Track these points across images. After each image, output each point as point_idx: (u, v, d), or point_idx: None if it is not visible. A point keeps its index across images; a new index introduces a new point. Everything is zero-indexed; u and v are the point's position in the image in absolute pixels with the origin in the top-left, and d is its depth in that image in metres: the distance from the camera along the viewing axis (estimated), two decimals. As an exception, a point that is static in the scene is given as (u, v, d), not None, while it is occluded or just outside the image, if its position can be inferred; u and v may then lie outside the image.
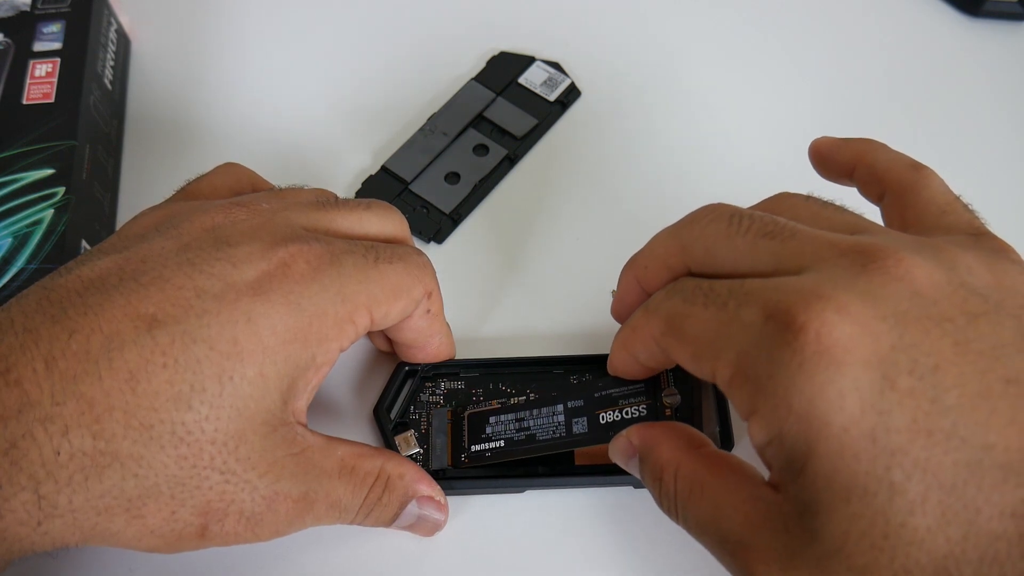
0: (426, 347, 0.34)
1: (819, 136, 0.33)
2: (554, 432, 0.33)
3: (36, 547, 0.25)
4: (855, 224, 0.28)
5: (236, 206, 0.29)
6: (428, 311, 0.33)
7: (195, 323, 0.26)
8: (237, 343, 0.26)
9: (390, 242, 0.32)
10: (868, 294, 0.24)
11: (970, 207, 0.29)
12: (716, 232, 0.28)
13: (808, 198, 0.29)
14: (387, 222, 0.33)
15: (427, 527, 0.32)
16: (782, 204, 0.30)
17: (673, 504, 0.28)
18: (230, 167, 0.35)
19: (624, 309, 0.32)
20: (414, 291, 0.31)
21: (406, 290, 0.30)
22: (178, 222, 0.29)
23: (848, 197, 0.30)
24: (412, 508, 0.31)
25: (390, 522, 0.31)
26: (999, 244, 0.27)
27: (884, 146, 0.32)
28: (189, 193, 0.33)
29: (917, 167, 0.30)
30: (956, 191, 0.31)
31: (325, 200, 0.32)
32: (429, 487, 0.32)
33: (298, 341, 0.27)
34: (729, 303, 0.26)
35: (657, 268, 0.30)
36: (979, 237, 0.27)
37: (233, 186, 0.34)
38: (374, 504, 0.30)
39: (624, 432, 0.30)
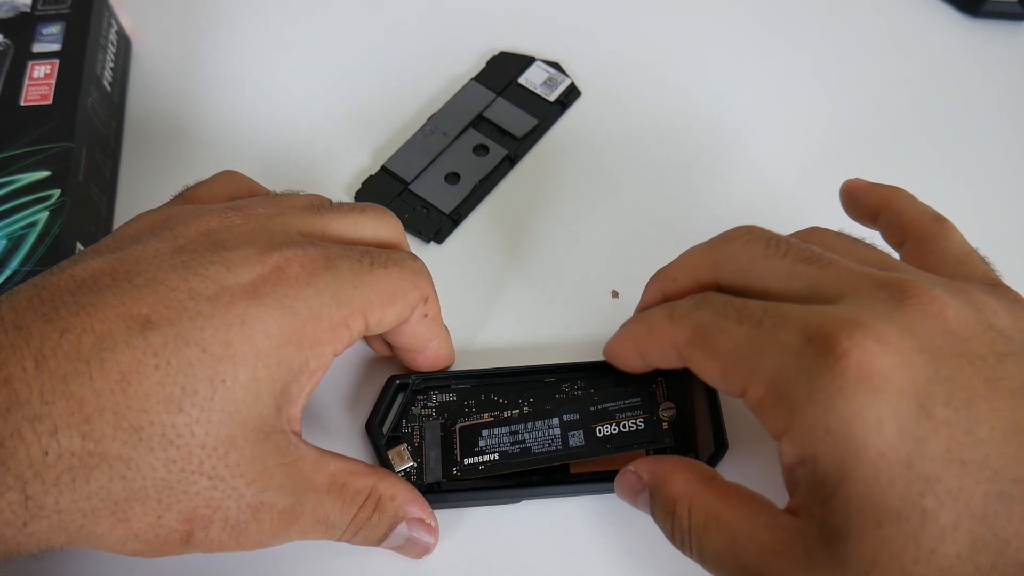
0: (424, 351, 0.34)
1: (851, 177, 0.34)
2: (549, 445, 0.33)
3: (21, 548, 0.25)
4: (884, 261, 0.28)
5: (232, 210, 0.29)
6: (425, 315, 0.32)
7: (188, 325, 0.25)
8: (230, 346, 0.26)
9: (385, 246, 0.32)
10: (905, 327, 0.24)
11: (986, 260, 0.30)
12: (753, 252, 0.29)
13: (839, 233, 0.30)
14: (382, 225, 0.33)
15: (416, 549, 0.32)
16: (814, 236, 0.30)
17: (687, 538, 0.28)
18: (229, 175, 0.35)
19: None
20: (410, 296, 0.31)
21: (401, 295, 0.30)
22: (173, 225, 0.29)
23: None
24: (402, 529, 0.31)
25: (378, 542, 0.31)
26: (1014, 295, 0.28)
27: (910, 195, 0.33)
28: (187, 199, 0.33)
29: (940, 219, 0.31)
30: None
31: (320, 204, 0.32)
32: (420, 509, 0.32)
33: (292, 345, 0.27)
34: (764, 322, 0.26)
35: (686, 281, 0.31)
36: (995, 287, 0.28)
37: (232, 193, 0.34)
38: (363, 523, 0.30)
39: (631, 467, 0.30)
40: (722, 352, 0.27)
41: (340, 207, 0.32)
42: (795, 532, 0.25)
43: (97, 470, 0.24)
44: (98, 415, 0.24)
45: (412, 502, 0.31)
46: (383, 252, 0.31)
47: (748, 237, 0.29)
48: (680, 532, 0.28)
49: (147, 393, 0.25)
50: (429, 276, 0.32)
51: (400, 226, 0.34)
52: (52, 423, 0.24)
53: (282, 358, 0.27)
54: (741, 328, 0.26)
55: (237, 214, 0.29)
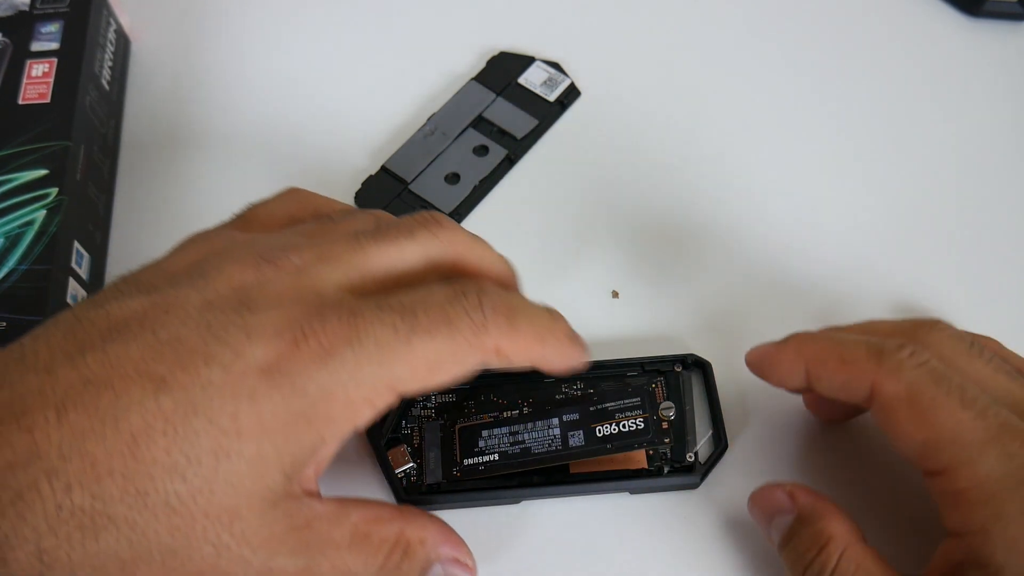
0: (539, 365, 0.30)
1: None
2: (549, 445, 0.33)
3: None
4: None
5: (266, 263, 0.28)
6: (503, 358, 0.28)
7: (199, 393, 0.25)
8: (237, 420, 0.25)
9: (448, 270, 0.30)
10: None
11: None
12: (957, 347, 0.29)
13: (1016, 355, 0.31)
14: (434, 248, 0.30)
15: None
16: (993, 347, 0.31)
17: None
18: (293, 193, 0.34)
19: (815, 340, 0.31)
20: (466, 360, 0.27)
21: (450, 363, 0.27)
22: (209, 270, 0.28)
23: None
24: (437, 571, 0.30)
25: None
26: None
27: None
28: (247, 219, 0.33)
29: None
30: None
31: (364, 232, 0.29)
32: (454, 548, 0.30)
33: (302, 423, 0.26)
34: (989, 416, 0.26)
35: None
36: None
37: (294, 214, 0.33)
38: (392, 572, 0.29)
39: (783, 485, 0.31)
40: (936, 427, 0.27)
41: (386, 233, 0.29)
42: None
43: (105, 531, 0.24)
44: (108, 476, 0.24)
45: (445, 542, 0.30)
46: (436, 307, 0.27)
47: (950, 332, 0.30)
48: (820, 570, 0.28)
49: (154, 459, 0.25)
50: (507, 311, 0.28)
51: (464, 240, 0.31)
52: (67, 480, 0.24)
53: (290, 435, 0.26)
54: (965, 413, 0.27)
55: (271, 267, 0.28)
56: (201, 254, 0.29)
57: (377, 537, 0.28)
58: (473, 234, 0.31)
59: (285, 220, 0.32)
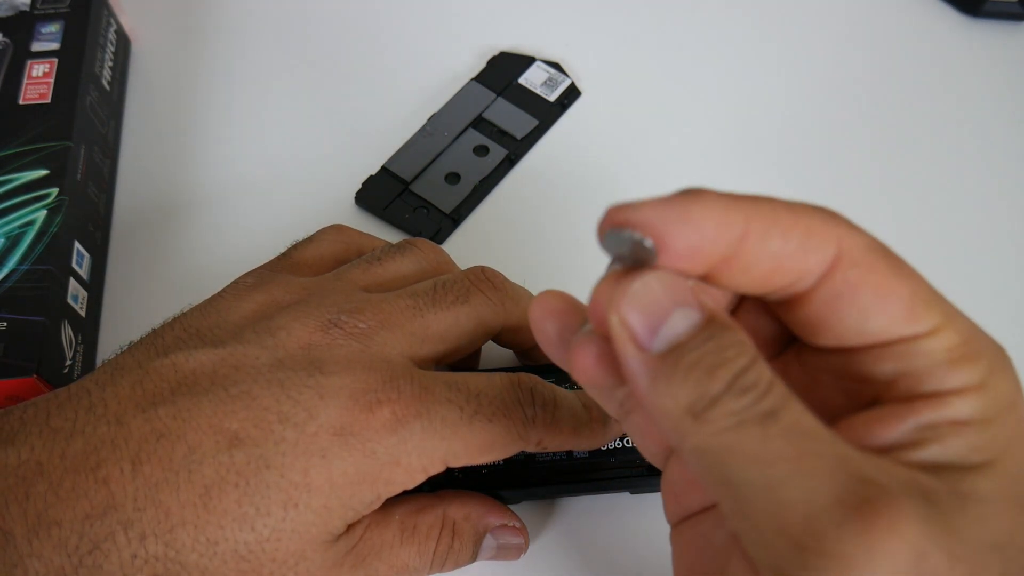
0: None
1: None
2: (554, 456, 0.33)
3: None
4: None
5: (334, 327, 0.29)
6: (539, 444, 0.30)
7: (272, 449, 0.26)
8: (308, 475, 0.26)
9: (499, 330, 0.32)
10: None
11: None
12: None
13: None
14: (484, 311, 0.31)
15: (510, 552, 0.32)
16: None
17: None
18: (336, 232, 0.35)
19: None
20: (510, 448, 0.29)
21: (500, 447, 0.29)
22: (276, 329, 0.29)
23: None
24: (489, 541, 0.31)
25: (470, 561, 0.31)
26: None
27: None
28: (294, 261, 0.33)
29: None
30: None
31: (422, 295, 0.31)
32: (499, 516, 0.32)
33: (366, 483, 0.27)
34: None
35: None
36: None
37: (340, 255, 0.34)
38: (446, 553, 0.30)
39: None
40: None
41: (443, 299, 0.31)
42: None
43: None
44: (180, 526, 0.25)
45: (488, 513, 0.31)
46: (497, 395, 0.29)
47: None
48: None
49: (224, 510, 0.26)
50: (553, 407, 0.30)
51: (514, 298, 0.32)
52: (141, 529, 0.25)
53: (355, 493, 0.27)
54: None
55: (339, 331, 0.29)
56: (262, 305, 0.30)
57: (424, 525, 0.30)
58: (518, 288, 0.33)
59: (332, 263, 0.34)
